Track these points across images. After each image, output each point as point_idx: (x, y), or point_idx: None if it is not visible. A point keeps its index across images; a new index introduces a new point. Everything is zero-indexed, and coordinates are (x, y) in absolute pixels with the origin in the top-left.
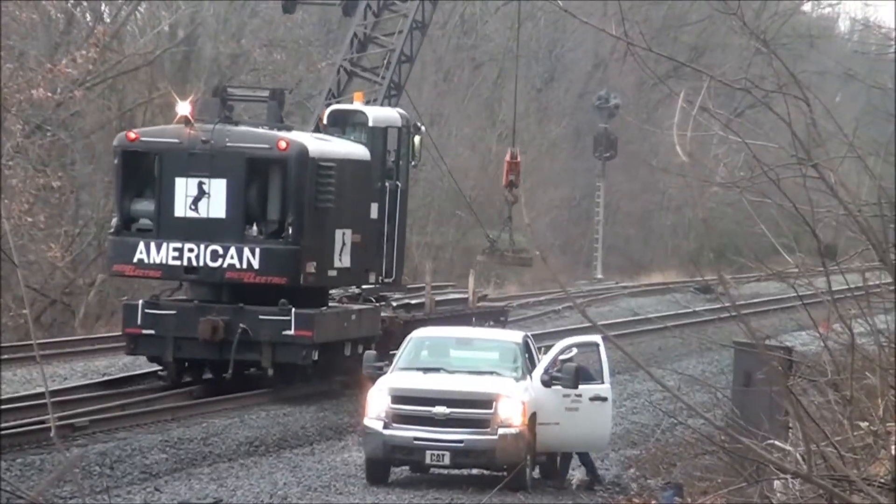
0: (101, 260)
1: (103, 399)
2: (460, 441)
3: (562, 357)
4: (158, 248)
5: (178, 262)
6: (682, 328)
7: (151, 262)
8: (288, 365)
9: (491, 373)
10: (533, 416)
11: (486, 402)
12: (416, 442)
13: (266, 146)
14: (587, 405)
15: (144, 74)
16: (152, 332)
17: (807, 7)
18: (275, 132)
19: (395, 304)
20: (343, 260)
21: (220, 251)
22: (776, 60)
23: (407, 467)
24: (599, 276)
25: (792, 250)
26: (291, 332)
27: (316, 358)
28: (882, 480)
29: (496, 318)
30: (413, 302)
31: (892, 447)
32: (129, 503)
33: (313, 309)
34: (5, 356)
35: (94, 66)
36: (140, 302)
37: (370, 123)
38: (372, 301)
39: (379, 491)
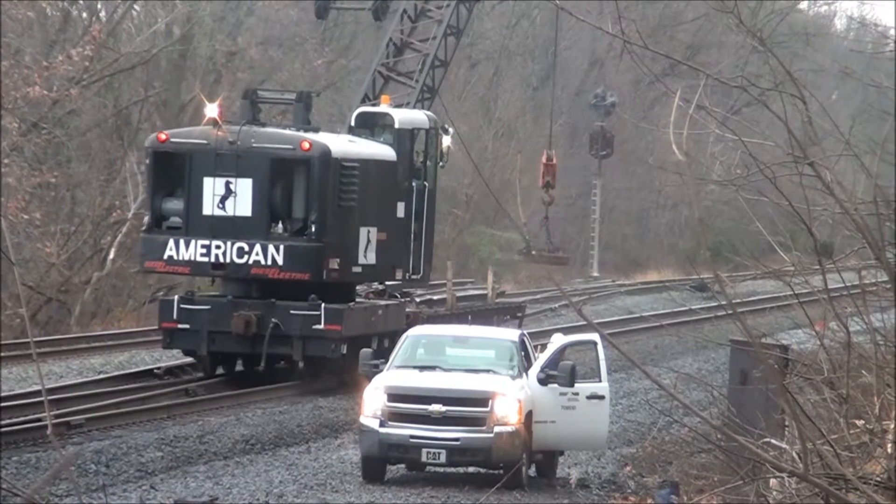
0: (96, 258)
1: (99, 397)
2: (456, 439)
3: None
4: (187, 246)
5: (205, 259)
6: (679, 326)
7: (181, 258)
8: (317, 358)
9: (487, 371)
10: (529, 415)
11: (482, 400)
12: (412, 440)
13: (290, 147)
14: (584, 403)
15: (140, 73)
16: (187, 326)
17: (803, 5)
18: (300, 133)
19: (418, 299)
20: (368, 257)
21: (246, 248)
22: (772, 58)
23: (403, 465)
24: (596, 274)
25: (788, 248)
26: (321, 326)
27: (345, 351)
28: (878, 479)
29: (513, 313)
30: (435, 298)
31: (889, 445)
32: (125, 501)
33: (342, 304)
34: (1, 354)
35: (91, 65)
36: (176, 297)
37: (396, 125)
38: (397, 297)
39: (375, 489)
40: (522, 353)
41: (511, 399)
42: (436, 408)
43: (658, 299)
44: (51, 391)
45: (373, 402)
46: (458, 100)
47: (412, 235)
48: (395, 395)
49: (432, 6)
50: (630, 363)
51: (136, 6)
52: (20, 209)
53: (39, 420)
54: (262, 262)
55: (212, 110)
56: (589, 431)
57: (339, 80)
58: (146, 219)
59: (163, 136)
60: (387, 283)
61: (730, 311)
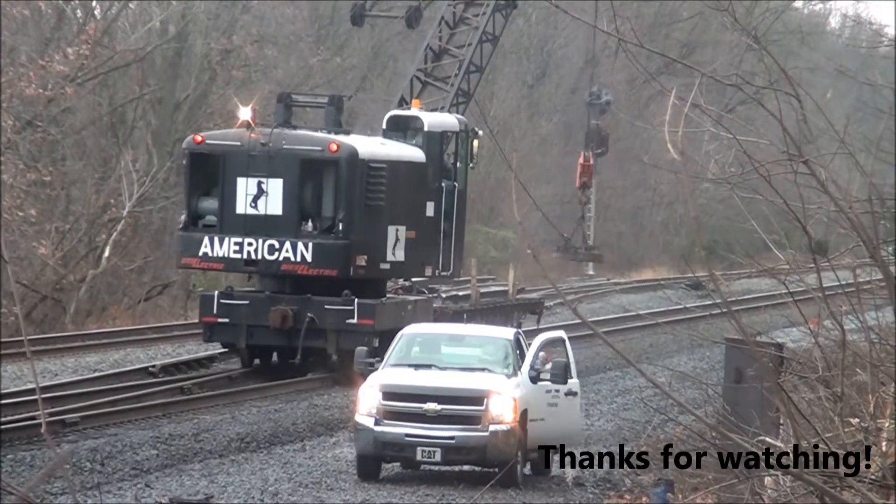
0: (91, 256)
1: (94, 395)
2: (451, 438)
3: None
4: (221, 243)
5: (238, 256)
6: (674, 325)
7: (215, 255)
8: (351, 351)
9: (482, 369)
10: (524, 413)
11: (477, 398)
12: (407, 438)
13: (319, 148)
14: (564, 400)
15: (135, 70)
16: (227, 320)
17: (798, 3)
18: (329, 135)
19: (444, 295)
20: (397, 254)
21: (277, 245)
22: (767, 57)
23: (398, 464)
24: (591, 272)
25: (783, 247)
26: (354, 320)
27: (377, 344)
28: (873, 477)
29: (532, 309)
30: (460, 294)
31: (883, 444)
32: (120, 499)
33: (374, 300)
34: None
35: (86, 62)
36: (216, 293)
37: (426, 128)
38: (424, 292)
39: (370, 487)
40: (517, 352)
41: (506, 397)
42: (431, 406)
43: (653, 297)
44: (46, 389)
45: (368, 400)
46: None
47: (442, 234)
48: (391, 394)
49: (470, 13)
50: (625, 361)
51: (130, 4)
52: (15, 207)
53: (34, 418)
54: (292, 259)
55: (245, 113)
56: (571, 427)
57: (334, 78)
58: (183, 217)
59: (198, 138)
60: (413, 279)
61: (724, 310)
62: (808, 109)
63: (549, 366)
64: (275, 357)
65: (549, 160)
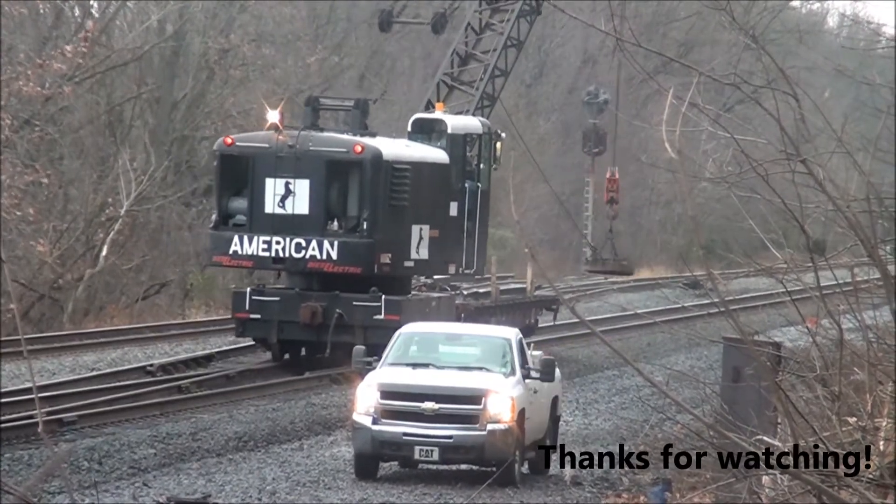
0: (89, 255)
1: (91, 394)
2: (449, 437)
3: (534, 352)
4: (250, 241)
5: (266, 254)
6: (671, 324)
7: (244, 253)
8: (378, 346)
9: (480, 368)
10: (522, 412)
11: (475, 397)
12: (405, 437)
13: (344, 150)
14: (536, 397)
15: (133, 70)
16: (258, 316)
17: (795, 3)
18: (355, 137)
19: (465, 292)
20: (420, 252)
21: (304, 243)
22: (765, 56)
23: (396, 463)
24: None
25: (780, 246)
26: (381, 316)
27: None
28: (870, 476)
29: (548, 305)
30: (481, 291)
31: (881, 443)
32: (118, 498)
33: (400, 296)
34: None
35: (84, 61)
36: (248, 289)
37: (449, 130)
38: (447, 290)
39: (368, 486)
40: (516, 352)
41: (504, 397)
42: (429, 405)
43: (651, 296)
44: (43, 388)
45: (366, 399)
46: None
47: (465, 233)
48: (388, 393)
49: (495, 20)
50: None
51: (128, 3)
52: (13, 206)
53: (31, 417)
54: (318, 257)
55: (273, 116)
56: (543, 423)
57: (332, 77)
58: (214, 216)
59: (229, 140)
60: (436, 277)
61: (722, 309)
62: (806, 109)
63: (536, 363)
64: (303, 351)
65: (546, 159)
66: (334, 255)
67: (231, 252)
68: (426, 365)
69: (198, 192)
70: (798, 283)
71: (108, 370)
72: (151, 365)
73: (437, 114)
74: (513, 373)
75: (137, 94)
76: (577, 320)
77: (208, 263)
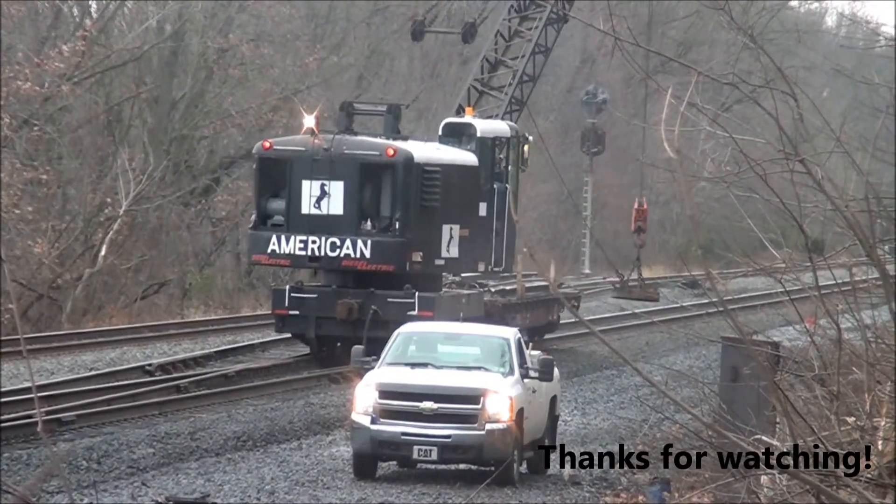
0: (87, 255)
1: (90, 394)
2: (448, 436)
3: (533, 352)
4: (288, 241)
5: (303, 252)
6: (670, 323)
7: (282, 252)
8: None
9: (478, 368)
10: (521, 412)
11: (473, 397)
12: (403, 437)
13: (376, 153)
14: (535, 397)
15: (132, 69)
16: (297, 312)
17: (794, 2)
18: (387, 141)
19: (492, 289)
20: (451, 251)
21: (338, 243)
22: (764, 55)
23: (394, 462)
24: (587, 271)
25: (779, 245)
26: (415, 312)
27: None
28: (869, 476)
29: (570, 302)
30: (507, 288)
31: (879, 443)
32: (117, 498)
33: (433, 293)
34: None
35: (82, 60)
36: (287, 287)
37: (478, 134)
38: (476, 287)
39: (366, 486)
40: (515, 351)
41: (503, 396)
42: (427, 405)
43: None
44: (42, 388)
45: (364, 399)
46: (450, 96)
47: (494, 232)
48: (387, 392)
49: (524, 27)
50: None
51: (127, 3)
52: (12, 205)
53: (30, 417)
54: (352, 255)
55: (309, 121)
56: (541, 423)
57: (331, 77)
58: (253, 217)
59: (267, 144)
60: (462, 274)
61: (721, 308)
62: (805, 108)
63: (535, 363)
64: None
65: (545, 159)
66: (367, 254)
67: (269, 251)
68: (425, 364)
69: (196, 192)
70: (797, 282)
71: (107, 370)
72: (150, 364)
73: (467, 118)
74: (511, 372)
75: (136, 93)
76: (576, 320)
77: (248, 262)
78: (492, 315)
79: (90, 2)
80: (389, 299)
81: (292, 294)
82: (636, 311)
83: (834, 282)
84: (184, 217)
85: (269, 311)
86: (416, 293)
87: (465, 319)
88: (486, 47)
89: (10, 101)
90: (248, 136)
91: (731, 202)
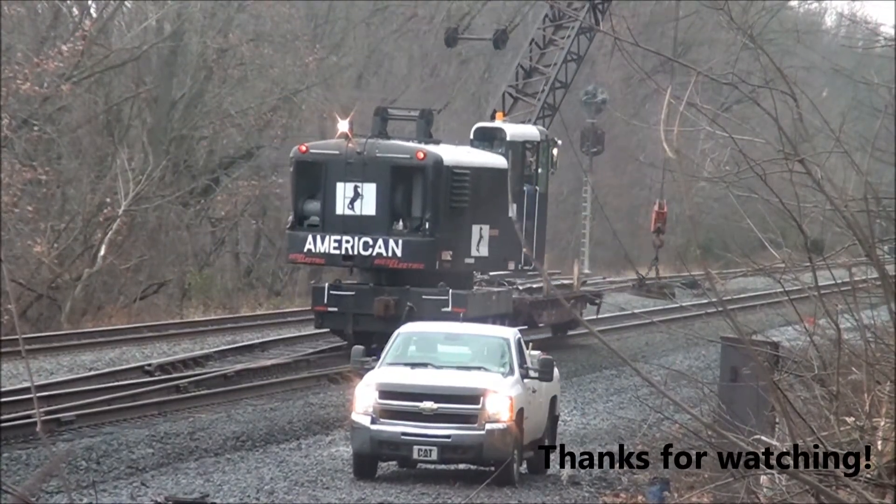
0: (87, 255)
1: (89, 394)
2: (448, 436)
3: (533, 352)
4: (323, 240)
5: (337, 252)
6: (669, 323)
7: (317, 251)
8: None
9: (478, 368)
10: (520, 412)
11: (473, 397)
12: (403, 437)
13: (407, 156)
14: (535, 397)
15: (131, 69)
16: (336, 309)
17: (793, 3)
18: (418, 145)
19: (520, 287)
20: (481, 250)
21: (371, 242)
22: (763, 55)
23: (394, 462)
24: (587, 270)
25: (778, 245)
26: (449, 308)
27: None
28: (868, 476)
29: (592, 300)
30: (534, 286)
31: (879, 443)
32: (116, 498)
33: (465, 290)
34: None
35: (82, 60)
36: (326, 284)
37: (508, 138)
38: (505, 284)
39: (366, 486)
40: (515, 352)
41: (502, 396)
42: (427, 405)
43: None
44: (41, 388)
45: (364, 399)
46: (449, 96)
47: (524, 232)
48: (387, 392)
49: (557, 36)
50: (621, 360)
51: (126, 3)
52: (11, 205)
53: (29, 417)
54: (384, 254)
55: (343, 125)
56: (541, 423)
57: (330, 76)
58: (290, 218)
59: (303, 148)
60: (490, 273)
61: (720, 308)
62: (804, 108)
63: (535, 363)
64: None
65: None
66: (399, 253)
67: (305, 250)
68: (425, 364)
69: (196, 192)
70: (796, 282)
71: (106, 370)
72: (149, 364)
73: (498, 123)
74: (511, 372)
75: (135, 93)
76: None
77: (286, 261)
78: (520, 312)
79: (89, 2)
80: (424, 296)
81: (331, 291)
82: (636, 311)
83: (833, 282)
84: (183, 217)
85: (271, 311)
86: (450, 291)
87: (466, 319)
88: (520, 54)
89: (9, 101)
90: (248, 136)
91: (730, 202)
